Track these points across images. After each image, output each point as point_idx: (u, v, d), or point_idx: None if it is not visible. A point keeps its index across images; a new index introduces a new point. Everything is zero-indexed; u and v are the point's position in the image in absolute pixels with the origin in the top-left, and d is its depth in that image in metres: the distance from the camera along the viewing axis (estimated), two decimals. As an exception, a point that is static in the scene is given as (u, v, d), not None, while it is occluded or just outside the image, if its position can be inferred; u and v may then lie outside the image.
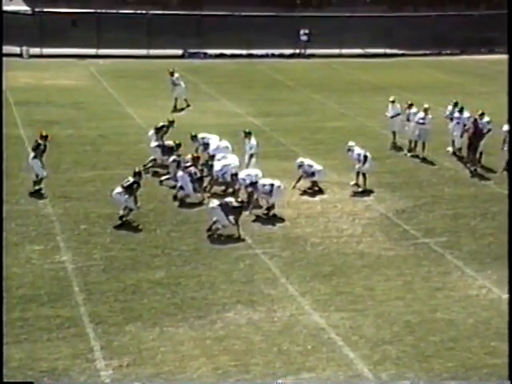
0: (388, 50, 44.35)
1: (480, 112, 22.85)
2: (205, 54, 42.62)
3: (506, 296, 14.53)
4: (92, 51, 40.63)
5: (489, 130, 22.58)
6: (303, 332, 13.18)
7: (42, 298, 13.97)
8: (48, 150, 19.90)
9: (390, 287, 14.90)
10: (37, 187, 19.28)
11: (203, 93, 32.62)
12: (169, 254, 16.14)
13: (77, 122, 26.93)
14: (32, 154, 19.44)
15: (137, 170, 18.06)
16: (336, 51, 43.46)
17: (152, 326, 13.24)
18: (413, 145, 23.85)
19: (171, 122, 22.51)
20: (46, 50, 40.02)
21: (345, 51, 43.63)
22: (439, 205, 19.51)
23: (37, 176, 19.40)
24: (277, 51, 43.41)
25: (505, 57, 43.49)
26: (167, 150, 21.11)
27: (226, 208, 16.85)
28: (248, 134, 20.71)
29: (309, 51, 43.59)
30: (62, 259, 15.73)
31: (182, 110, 29.21)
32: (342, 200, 19.70)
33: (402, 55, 44.33)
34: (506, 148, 22.04)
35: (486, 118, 22.76)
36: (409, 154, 23.68)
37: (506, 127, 22.15)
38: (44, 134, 19.86)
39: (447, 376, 11.92)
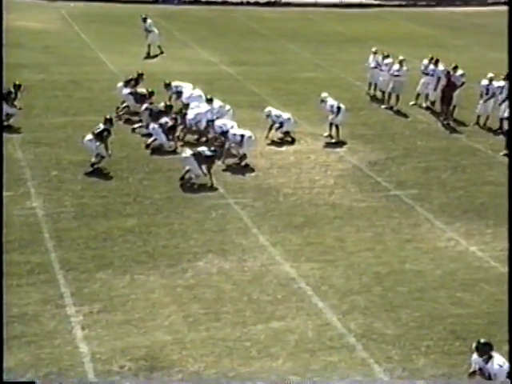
0: (364, 0, 43.99)
1: (453, 65, 22.83)
2: (179, -1, 41.97)
3: (473, 248, 14.77)
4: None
5: (462, 83, 22.59)
6: (273, 282, 13.29)
7: (12, 244, 13.88)
8: (18, 95, 19.64)
9: (360, 238, 15.04)
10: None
11: (176, 40, 32.18)
12: (141, 202, 16.09)
13: (48, 67, 26.48)
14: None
15: (108, 117, 17.87)
16: (311, 0, 43.00)
17: (123, 273, 13.26)
18: (386, 96, 23.85)
19: (140, 75, 22.07)
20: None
21: (320, 0, 43.19)
22: (411, 157, 19.60)
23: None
24: (252, -1, 42.89)
25: (479, 9, 43.65)
26: (140, 98, 20.88)
27: (199, 157, 16.79)
28: (209, 100, 20.24)
29: (284, 0, 43.08)
30: (33, 205, 15.62)
31: (156, 56, 28.82)
32: (315, 151, 19.71)
33: (378, 5, 44.02)
34: (482, 102, 21.99)
35: (460, 71, 22.75)
36: (382, 106, 23.68)
37: (484, 81, 22.12)
38: (17, 83, 19.70)
39: (414, 325, 12.13)
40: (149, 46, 29.00)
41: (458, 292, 13.18)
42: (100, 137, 17.31)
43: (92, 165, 17.34)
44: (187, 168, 16.98)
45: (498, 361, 9.68)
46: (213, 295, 12.76)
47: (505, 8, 42.23)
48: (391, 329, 12.03)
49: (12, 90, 19.76)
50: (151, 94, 20.75)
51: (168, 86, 21.50)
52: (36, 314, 11.91)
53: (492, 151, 20.09)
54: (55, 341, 11.26)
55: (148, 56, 28.50)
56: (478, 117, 22.16)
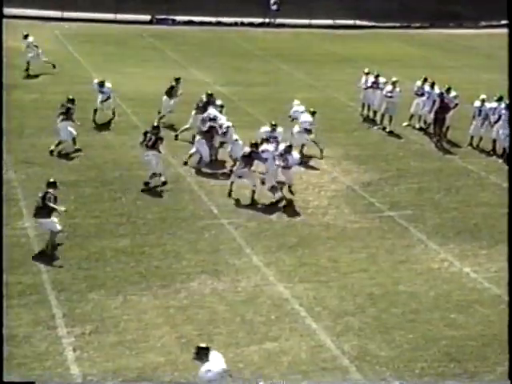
0: (357, 22, 44.29)
1: (447, 86, 22.94)
2: (173, 20, 42.12)
3: (466, 269, 14.74)
4: (57, 14, 39.84)
5: (456, 105, 22.69)
6: (267, 302, 13.22)
7: (4, 264, 13.76)
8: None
9: (354, 259, 14.99)
10: None
11: (170, 60, 32.28)
12: (134, 223, 16.02)
13: (41, 87, 26.47)
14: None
15: (155, 124, 18.54)
16: (306, 21, 43.26)
17: (115, 294, 13.17)
18: (379, 117, 23.93)
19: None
20: (8, 10, 39.07)
21: (314, 22, 43.45)
22: (404, 178, 19.61)
23: None
24: (246, 20, 43.07)
25: (472, 31, 43.96)
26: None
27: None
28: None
29: (278, 21, 43.32)
30: (25, 225, 15.53)
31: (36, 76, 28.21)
32: (308, 171, 19.70)
33: (372, 27, 44.30)
34: (475, 123, 22.05)
35: (453, 93, 22.87)
36: (375, 127, 23.74)
37: (477, 103, 22.20)
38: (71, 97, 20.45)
39: (408, 347, 12.07)
40: (28, 62, 28.44)
41: (452, 314, 13.14)
42: (157, 148, 17.66)
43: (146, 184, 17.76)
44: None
45: (208, 366, 9.71)
46: (206, 316, 12.68)
47: (497, 31, 42.69)
48: (385, 350, 11.97)
49: (68, 105, 20.05)
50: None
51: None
52: (27, 335, 11.81)
53: (485, 172, 20.12)
54: (46, 362, 11.15)
55: (27, 71, 28.04)
56: (472, 138, 22.24)
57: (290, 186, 17.70)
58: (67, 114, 19.77)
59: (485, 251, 15.55)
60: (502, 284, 14.10)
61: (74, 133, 19.74)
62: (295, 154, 17.91)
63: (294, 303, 13.26)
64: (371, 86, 24.25)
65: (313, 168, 19.99)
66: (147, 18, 41.45)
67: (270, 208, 17.16)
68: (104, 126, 21.40)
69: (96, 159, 19.53)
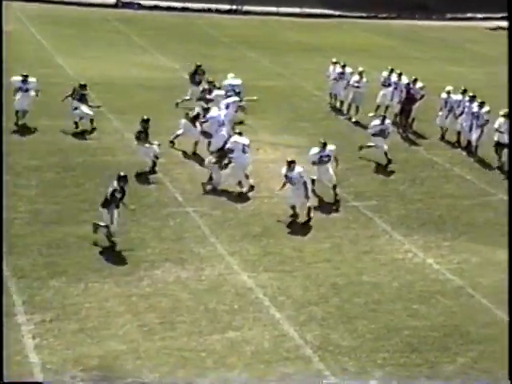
0: (325, 11, 44.25)
1: (413, 78, 23.01)
2: (139, 4, 41.65)
3: (430, 260, 14.83)
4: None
5: (422, 96, 22.78)
6: (231, 291, 13.16)
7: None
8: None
9: (318, 249, 14.99)
10: None
11: (136, 45, 31.92)
12: (97, 209, 15.79)
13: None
14: None
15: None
16: (273, 9, 43.12)
17: (77, 281, 12.98)
18: (346, 107, 23.95)
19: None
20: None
21: (282, 10, 43.33)
22: (370, 169, 19.66)
23: None
24: (213, 6, 42.78)
25: (438, 23, 44.24)
26: None
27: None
28: None
29: (246, 8, 43.12)
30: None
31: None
32: (274, 160, 19.62)
33: (339, 16, 44.32)
34: (441, 115, 22.17)
35: (419, 84, 22.95)
36: (342, 117, 23.75)
37: (443, 95, 22.28)
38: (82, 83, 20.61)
39: (370, 337, 12.10)
40: None
41: (414, 304, 13.20)
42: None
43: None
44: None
45: None
46: (169, 304, 12.58)
47: (462, 23, 43.06)
48: (348, 340, 11.99)
49: (82, 91, 20.23)
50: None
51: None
52: (-15, 322, 11.58)
53: (450, 164, 20.26)
54: (4, 350, 10.93)
55: None
56: (441, 128, 22.29)
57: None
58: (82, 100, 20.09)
59: (448, 243, 15.65)
60: (465, 275, 14.24)
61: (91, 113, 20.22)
62: None
63: (257, 292, 13.22)
64: (338, 76, 24.24)
65: (278, 157, 19.91)
66: (112, 1, 40.93)
67: (235, 197, 17.07)
68: (68, 111, 21.02)
69: (59, 144, 19.24)
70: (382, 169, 19.59)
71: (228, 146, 17.33)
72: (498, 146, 20.11)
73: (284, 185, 16.26)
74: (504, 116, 20.15)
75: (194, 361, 11.16)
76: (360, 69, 23.79)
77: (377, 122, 19.77)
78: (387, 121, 19.74)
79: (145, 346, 11.36)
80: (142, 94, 23.96)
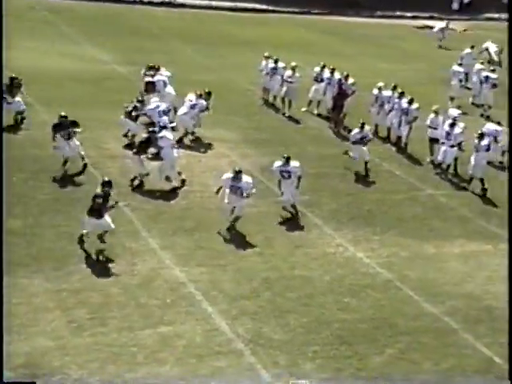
0: (258, 6, 44.31)
1: (345, 73, 23.27)
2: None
3: (360, 254, 15.07)
4: None
5: (353, 92, 23.07)
6: (163, 286, 13.10)
7: None
8: None
9: (250, 243, 15.04)
10: None
11: (65, 35, 31.32)
12: (25, 203, 15.50)
13: None
14: None
15: None
16: (206, 2, 42.95)
17: (4, 276, 12.66)
18: (279, 101, 24.07)
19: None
20: None
21: (215, 3, 43.19)
22: (302, 163, 19.69)
23: None
24: (146, -2, 42.35)
25: (369, 20, 44.83)
26: None
27: None
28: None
29: (179, 0, 42.81)
30: None
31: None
32: (207, 155, 19.61)
33: (272, 11, 44.43)
34: (372, 110, 22.46)
35: (351, 80, 23.22)
36: (275, 112, 23.85)
37: (375, 91, 22.57)
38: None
39: (301, 330, 12.22)
40: None
41: (345, 297, 13.40)
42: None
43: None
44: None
45: None
46: (99, 300, 12.44)
47: (391, 21, 43.77)
48: (279, 334, 12.09)
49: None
50: None
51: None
52: None
53: (379, 159, 20.57)
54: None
55: None
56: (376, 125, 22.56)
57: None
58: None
59: (377, 237, 15.92)
60: (393, 269, 14.53)
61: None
62: None
63: (190, 287, 13.20)
64: (271, 72, 24.35)
65: (211, 151, 19.91)
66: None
67: (168, 191, 16.97)
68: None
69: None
70: (314, 164, 19.75)
71: (158, 142, 17.13)
72: (431, 141, 20.53)
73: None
74: (435, 112, 20.64)
75: (124, 356, 11.06)
76: (293, 64, 23.94)
77: (356, 130, 19.43)
78: (366, 127, 19.58)
79: (74, 342, 11.22)
80: (71, 86, 23.56)
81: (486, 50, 33.75)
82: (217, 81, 26.41)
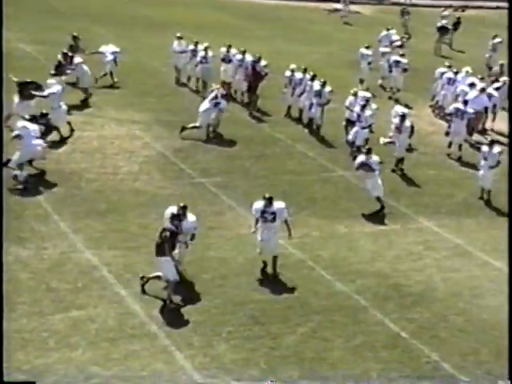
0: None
1: (258, 56, 23.31)
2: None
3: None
4: None
5: (266, 74, 23.13)
6: (74, 270, 12.90)
7: None
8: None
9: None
10: None
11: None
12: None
13: None
14: None
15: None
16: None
17: None
18: (195, 82, 23.96)
19: None
20: None
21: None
22: (215, 145, 19.80)
23: None
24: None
25: (280, 2, 45.03)
26: None
27: None
28: None
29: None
30: None
31: None
32: (119, 136, 19.35)
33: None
34: (286, 91, 22.57)
35: (263, 62, 23.28)
36: (188, 92, 23.72)
37: (287, 73, 22.66)
38: None
39: (216, 312, 12.25)
40: None
41: (258, 278, 13.49)
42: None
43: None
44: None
45: None
46: (8, 285, 12.07)
47: (295, 3, 44.08)
48: (193, 316, 12.09)
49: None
50: None
51: None
52: None
53: (292, 141, 20.76)
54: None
55: None
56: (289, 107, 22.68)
57: None
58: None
59: (291, 218, 16.02)
60: (306, 249, 14.72)
61: None
62: None
63: (102, 270, 13.04)
64: (191, 53, 24.17)
65: (124, 133, 19.65)
66: None
67: (79, 173, 16.68)
68: None
69: None
70: (227, 145, 19.78)
71: (16, 132, 16.24)
72: (348, 122, 20.78)
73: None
74: (354, 95, 20.93)
75: (34, 342, 10.85)
76: (205, 44, 23.86)
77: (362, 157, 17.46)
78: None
79: (-19, 329, 10.90)
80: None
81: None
82: (129, 62, 26.02)
